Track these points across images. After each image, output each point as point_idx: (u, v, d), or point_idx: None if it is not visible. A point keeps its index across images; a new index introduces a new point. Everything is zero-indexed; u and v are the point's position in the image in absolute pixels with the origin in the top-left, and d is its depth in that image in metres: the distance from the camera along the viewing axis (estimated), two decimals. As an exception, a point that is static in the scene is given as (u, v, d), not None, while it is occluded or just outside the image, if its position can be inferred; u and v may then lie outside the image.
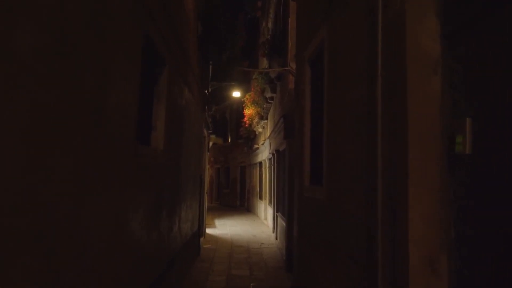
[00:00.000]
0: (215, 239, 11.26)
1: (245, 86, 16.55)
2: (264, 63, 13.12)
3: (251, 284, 6.74)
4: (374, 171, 2.53)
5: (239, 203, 22.32)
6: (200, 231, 9.51)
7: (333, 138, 3.83)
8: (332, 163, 3.85)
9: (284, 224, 8.63)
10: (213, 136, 14.15)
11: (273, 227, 11.64)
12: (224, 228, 13.70)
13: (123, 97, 2.85)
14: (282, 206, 9.76)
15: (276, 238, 10.67)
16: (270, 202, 13.55)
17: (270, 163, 13.49)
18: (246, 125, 16.08)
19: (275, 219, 11.24)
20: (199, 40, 7.53)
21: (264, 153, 15.26)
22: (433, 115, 2.18)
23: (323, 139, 4.14)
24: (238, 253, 9.29)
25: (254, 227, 14.14)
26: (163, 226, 4.57)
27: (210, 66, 9.91)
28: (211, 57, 7.94)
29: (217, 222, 15.33)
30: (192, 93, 6.79)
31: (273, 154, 11.99)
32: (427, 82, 2.20)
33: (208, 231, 12.30)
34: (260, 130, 15.66)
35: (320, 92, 4.50)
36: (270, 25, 12.62)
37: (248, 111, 14.74)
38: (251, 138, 18.39)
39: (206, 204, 12.01)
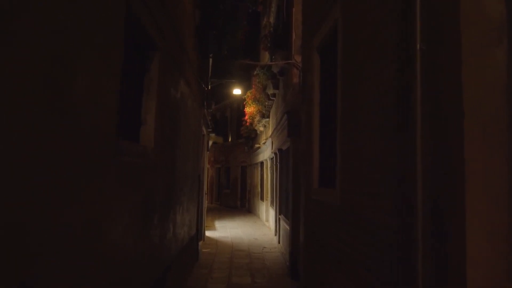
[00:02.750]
0: (214, 242, 10.74)
1: (246, 84, 16.03)
2: (266, 58, 12.60)
3: (253, 293, 6.22)
4: (411, 173, 2.00)
5: (239, 203, 21.81)
6: (199, 235, 8.99)
7: (349, 132, 3.30)
8: (348, 162, 3.32)
9: (288, 228, 8.10)
10: (213, 135, 13.58)
11: (275, 230, 11.12)
12: (224, 230, 13.18)
13: (98, 81, 2.33)
14: (285, 208, 9.24)
15: (279, 242, 10.15)
16: (272, 203, 13.04)
17: (272, 163, 12.99)
18: (247, 123, 15.58)
19: (277, 221, 10.72)
20: (197, 29, 7.00)
21: (265, 152, 14.76)
22: (497, 98, 1.65)
23: (337, 134, 3.61)
24: (238, 258, 8.77)
25: (255, 229, 13.61)
26: (155, 233, 4.05)
27: (210, 60, 9.37)
28: (211, 49, 7.39)
29: (217, 224, 14.81)
30: (190, 86, 6.26)
31: (275, 154, 11.48)
32: (488, 54, 1.67)
33: (208, 233, 11.79)
34: (261, 129, 15.15)
35: (332, 81, 3.98)
36: (272, 20, 12.09)
37: (249, 109, 14.22)
38: (252, 137, 17.92)
39: (205, 205, 11.48)
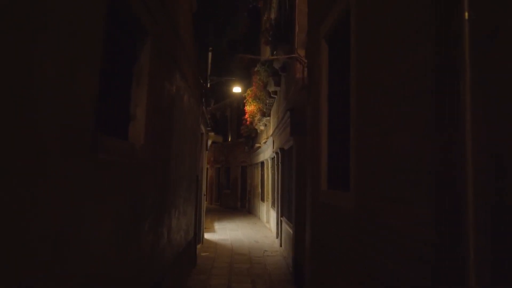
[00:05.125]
0: (214, 245, 10.33)
1: (246, 82, 15.62)
2: (267, 54, 12.18)
3: (255, 302, 5.81)
4: (457, 174, 1.59)
5: (240, 204, 21.41)
6: (197, 238, 8.58)
7: (366, 127, 2.89)
8: (364, 162, 2.91)
9: (291, 231, 7.69)
10: (212, 134, 13.14)
11: (277, 232, 10.71)
12: (224, 232, 12.77)
13: (71, 63, 1.92)
14: (287, 210, 8.83)
15: (281, 245, 9.74)
16: (273, 204, 12.64)
17: (273, 163, 12.59)
18: (247, 122, 15.18)
19: (279, 223, 10.31)
20: (194, 19, 6.58)
21: (266, 152, 14.36)
22: None
23: (350, 129, 3.21)
24: (239, 263, 8.36)
25: (256, 231, 13.21)
26: (145, 241, 3.64)
27: (210, 55, 8.94)
28: (210, 41, 6.98)
29: (217, 225, 14.40)
30: (187, 81, 5.85)
31: (276, 153, 11.07)
32: None
33: (207, 236, 11.37)
34: (262, 128, 14.74)
35: (344, 71, 3.57)
36: (273, 15, 11.69)
37: (250, 108, 13.81)
38: (252, 136, 17.53)
39: (204, 207, 11.08)
